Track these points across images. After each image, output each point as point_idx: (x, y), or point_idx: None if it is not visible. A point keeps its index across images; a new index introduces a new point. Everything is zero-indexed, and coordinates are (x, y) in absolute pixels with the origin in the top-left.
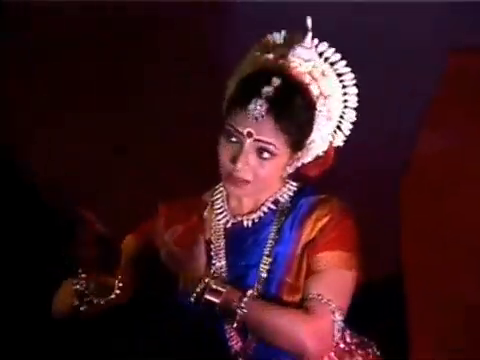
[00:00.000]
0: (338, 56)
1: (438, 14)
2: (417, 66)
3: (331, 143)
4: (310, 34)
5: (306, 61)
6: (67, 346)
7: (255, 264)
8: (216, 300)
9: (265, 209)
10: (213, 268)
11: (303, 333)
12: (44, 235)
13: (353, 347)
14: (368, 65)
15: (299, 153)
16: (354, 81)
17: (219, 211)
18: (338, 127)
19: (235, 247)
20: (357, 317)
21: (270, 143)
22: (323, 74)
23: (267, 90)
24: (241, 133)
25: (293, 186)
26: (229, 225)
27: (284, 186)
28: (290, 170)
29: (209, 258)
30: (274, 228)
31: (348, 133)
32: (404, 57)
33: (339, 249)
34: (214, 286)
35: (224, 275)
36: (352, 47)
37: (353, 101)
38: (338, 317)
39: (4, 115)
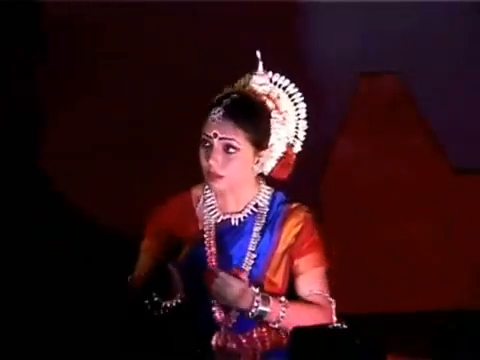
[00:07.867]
0: (287, 81)
1: None
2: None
3: (291, 147)
4: (261, 63)
5: (261, 85)
6: None
7: (241, 257)
8: (267, 310)
9: (248, 211)
10: (206, 253)
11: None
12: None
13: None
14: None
15: (263, 152)
16: (302, 98)
17: (211, 207)
18: (296, 136)
19: (223, 239)
20: None
21: (232, 139)
22: (278, 97)
23: (226, 101)
24: (209, 136)
25: (268, 190)
26: (219, 220)
27: (260, 190)
28: (258, 169)
29: (202, 245)
30: (256, 229)
31: (304, 139)
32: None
33: (314, 252)
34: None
35: (214, 261)
36: None
37: (303, 113)
38: (334, 305)
39: None
